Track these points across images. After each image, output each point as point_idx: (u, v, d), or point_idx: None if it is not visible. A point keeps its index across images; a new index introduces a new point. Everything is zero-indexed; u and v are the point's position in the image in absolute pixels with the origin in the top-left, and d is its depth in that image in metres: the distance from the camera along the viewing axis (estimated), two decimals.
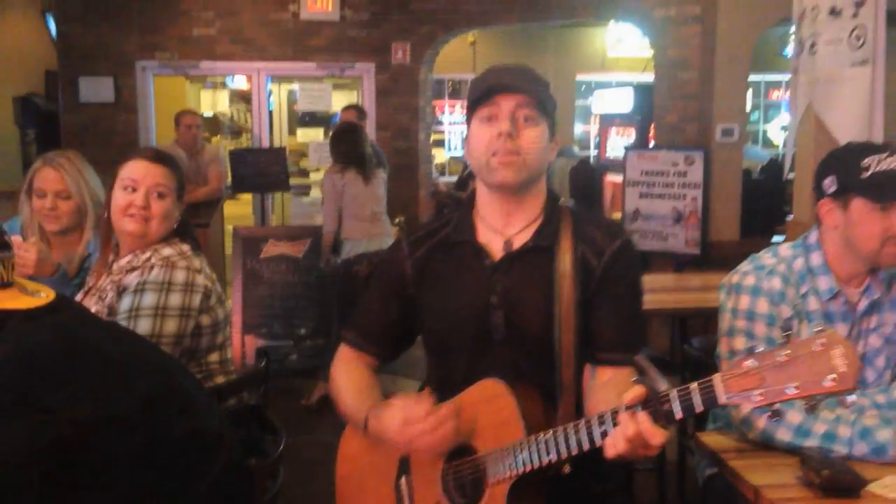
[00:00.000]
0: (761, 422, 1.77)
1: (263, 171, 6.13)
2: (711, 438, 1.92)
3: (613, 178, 6.94)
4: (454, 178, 9.33)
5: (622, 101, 7.84)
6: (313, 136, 9.58)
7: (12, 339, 1.42)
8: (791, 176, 4.53)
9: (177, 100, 8.65)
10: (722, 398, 1.23)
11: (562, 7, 6.95)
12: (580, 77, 10.99)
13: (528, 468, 1.46)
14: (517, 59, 9.51)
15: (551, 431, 1.44)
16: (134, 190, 2.12)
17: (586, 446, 1.40)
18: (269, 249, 5.55)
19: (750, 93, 6.68)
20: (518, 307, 1.65)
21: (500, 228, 1.70)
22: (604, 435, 1.37)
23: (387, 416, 1.59)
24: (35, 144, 8.08)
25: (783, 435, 1.76)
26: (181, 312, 2.07)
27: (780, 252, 2.02)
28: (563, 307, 1.61)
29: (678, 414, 1.28)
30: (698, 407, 1.26)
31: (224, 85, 10.55)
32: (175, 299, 2.07)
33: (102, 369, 1.48)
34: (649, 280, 3.79)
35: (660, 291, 3.94)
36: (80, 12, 7.21)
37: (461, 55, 10.02)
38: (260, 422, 2.21)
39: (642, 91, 7.65)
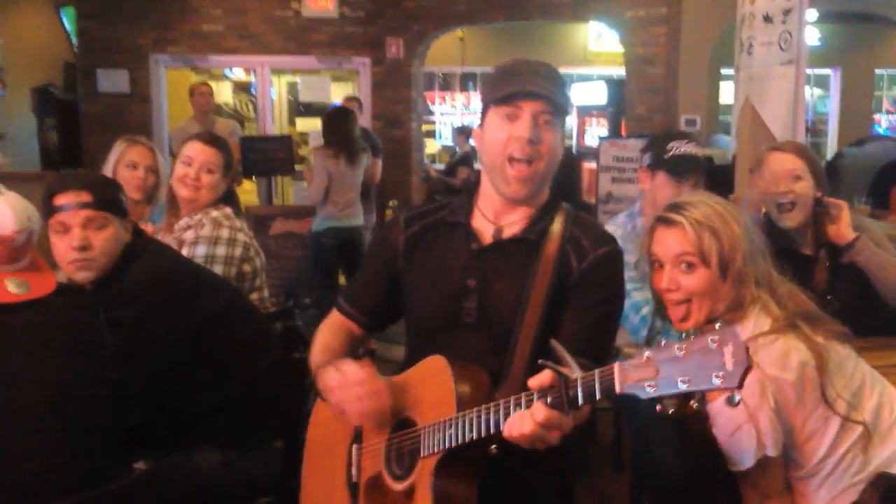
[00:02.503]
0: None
1: (271, 156, 6.68)
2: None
3: (590, 165, 7.55)
4: (443, 166, 9.92)
5: (597, 94, 8.46)
6: (311, 125, 10.14)
7: (154, 260, 2.11)
8: None
9: (184, 90, 9.21)
10: (618, 387, 1.24)
11: (542, 7, 7.57)
12: (563, 70, 11.45)
13: (454, 444, 1.46)
14: (502, 53, 10.18)
15: (475, 410, 1.44)
16: (189, 164, 2.72)
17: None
18: (277, 227, 6.15)
19: (731, 86, 7.20)
20: (492, 294, 1.64)
21: (494, 219, 1.69)
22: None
23: (328, 375, 1.61)
24: (55, 132, 8.61)
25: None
26: (226, 261, 2.68)
27: (618, 220, 2.65)
28: (532, 300, 1.60)
29: (581, 400, 1.29)
30: (598, 395, 1.28)
31: (224, 76, 11.10)
32: (221, 250, 2.67)
33: (204, 282, 2.14)
34: None
35: None
36: (99, 9, 7.78)
37: (450, 49, 10.49)
38: (297, 337, 2.81)
39: (615, 85, 8.27)
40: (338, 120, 5.50)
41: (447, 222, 1.73)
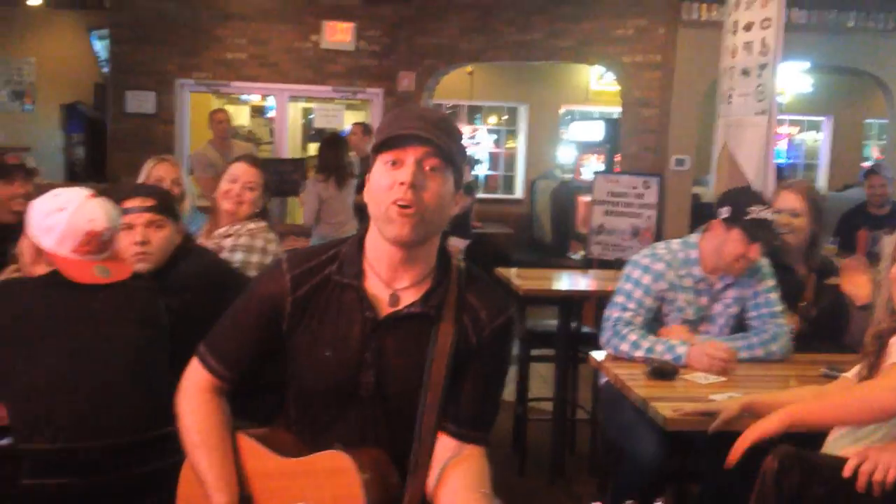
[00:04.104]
0: (612, 342, 2.81)
1: (286, 178, 7.09)
2: (598, 359, 2.96)
3: (585, 199, 8.01)
4: None
5: (595, 132, 8.94)
6: None
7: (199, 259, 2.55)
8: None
9: (205, 114, 9.72)
10: None
11: (546, 49, 8.05)
12: (565, 108, 11.99)
13: None
14: (509, 88, 10.72)
15: None
16: (234, 182, 3.17)
17: None
18: (289, 244, 6.59)
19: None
20: (389, 371, 1.58)
21: (388, 281, 1.59)
22: None
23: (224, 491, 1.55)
24: (83, 147, 9.10)
25: (624, 348, 2.79)
26: (258, 268, 3.09)
27: (671, 245, 3.01)
28: (431, 386, 1.56)
29: None
30: None
31: (239, 100, 11.61)
32: (255, 258, 3.10)
33: (237, 280, 2.58)
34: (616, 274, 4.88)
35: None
36: (130, 34, 8.28)
37: (460, 83, 10.91)
38: None
39: (611, 124, 8.75)
40: (329, 147, 5.96)
41: (337, 283, 1.60)
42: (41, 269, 2.12)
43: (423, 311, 1.58)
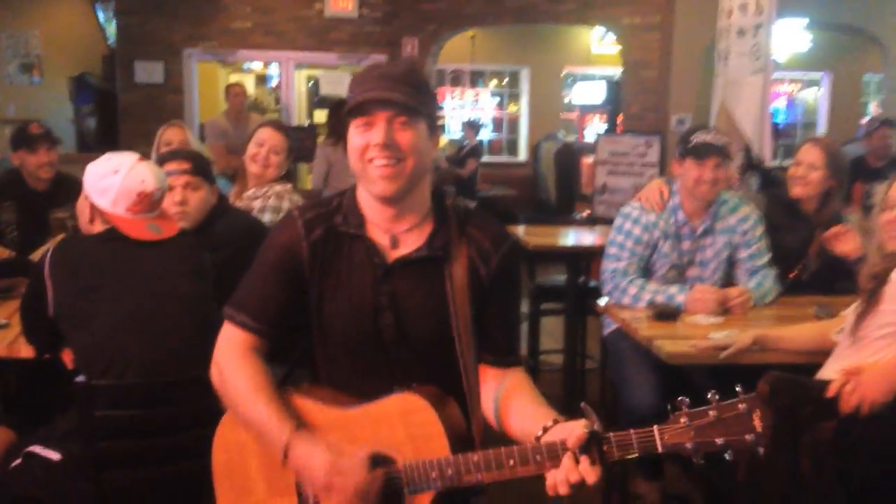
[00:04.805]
0: (614, 296, 3.03)
1: (298, 145, 7.25)
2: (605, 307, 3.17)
3: (589, 160, 8.19)
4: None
5: (597, 93, 9.08)
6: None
7: (233, 218, 2.76)
8: None
9: (211, 82, 9.86)
10: (659, 447, 1.36)
11: (547, 12, 8.16)
12: (567, 70, 12.09)
13: (454, 485, 1.49)
14: (511, 50, 10.83)
15: (481, 454, 1.46)
16: (261, 146, 3.37)
17: (518, 473, 1.44)
18: None
19: None
20: (409, 313, 1.63)
21: (387, 227, 1.65)
22: (537, 465, 1.42)
23: (316, 455, 1.52)
24: (93, 118, 9.25)
25: (626, 301, 3.01)
26: None
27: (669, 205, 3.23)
28: (461, 320, 1.60)
29: (615, 457, 1.38)
30: (634, 453, 1.37)
31: (241, 69, 11.72)
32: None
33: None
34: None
35: None
36: (137, 6, 8.39)
37: (462, 47, 10.98)
38: None
39: (612, 85, 8.89)
40: (336, 111, 6.08)
41: (344, 234, 1.65)
42: (98, 227, 2.32)
43: (431, 253, 1.62)
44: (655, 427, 1.36)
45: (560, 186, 9.92)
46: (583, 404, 1.42)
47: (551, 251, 4.54)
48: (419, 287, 1.63)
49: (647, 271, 3.14)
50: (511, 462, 1.43)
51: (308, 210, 1.68)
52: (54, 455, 2.19)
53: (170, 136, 4.01)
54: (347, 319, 1.63)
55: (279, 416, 1.57)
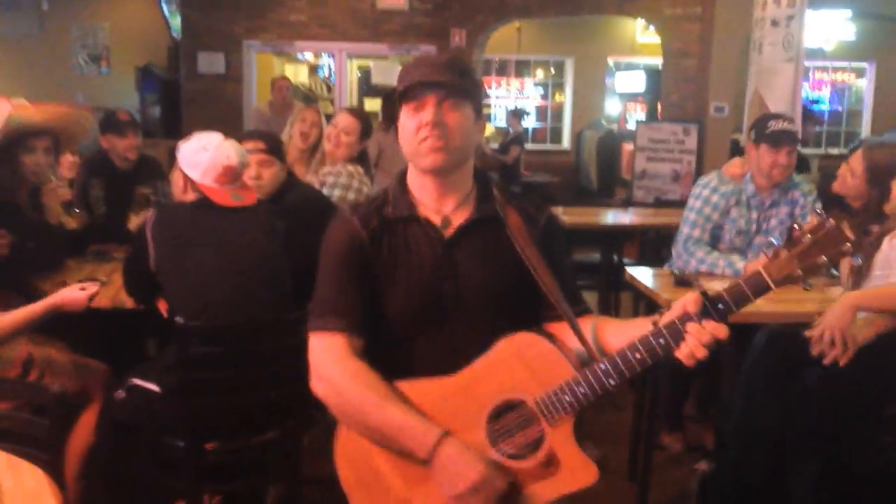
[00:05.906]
0: (682, 257, 3.36)
1: (369, 128, 7.60)
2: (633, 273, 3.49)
3: (629, 146, 8.44)
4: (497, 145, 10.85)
5: (638, 83, 9.30)
6: (378, 105, 11.14)
7: (300, 192, 3.13)
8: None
9: (268, 72, 10.29)
10: (772, 285, 1.41)
11: (590, 3, 8.43)
12: (612, 59, 12.29)
13: (590, 399, 1.54)
14: (556, 41, 11.13)
15: (606, 360, 1.52)
16: (335, 127, 3.74)
17: (649, 363, 1.49)
18: None
19: None
20: (467, 280, 1.69)
21: (436, 207, 1.73)
22: (665, 348, 1.47)
23: (469, 465, 1.54)
24: (158, 106, 9.77)
25: (692, 263, 3.32)
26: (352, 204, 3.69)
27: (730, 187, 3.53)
28: (536, 266, 1.66)
29: (733, 310, 1.44)
30: (750, 300, 1.43)
31: (296, 59, 12.20)
32: (351, 195, 3.65)
33: (332, 210, 3.18)
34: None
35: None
36: (200, 1, 8.90)
37: (508, 38, 11.24)
38: None
39: (653, 74, 9.11)
40: (389, 100, 6.45)
41: (396, 219, 1.73)
42: (190, 196, 2.72)
43: (482, 215, 1.72)
44: (761, 267, 1.42)
45: (601, 173, 10.18)
46: (688, 273, 1.61)
47: (587, 229, 4.87)
48: (475, 252, 1.70)
49: (715, 238, 3.47)
50: (637, 355, 1.49)
51: (357, 209, 1.77)
52: (154, 387, 2.60)
53: (305, 114, 4.10)
54: (412, 293, 1.68)
55: (418, 418, 1.60)
